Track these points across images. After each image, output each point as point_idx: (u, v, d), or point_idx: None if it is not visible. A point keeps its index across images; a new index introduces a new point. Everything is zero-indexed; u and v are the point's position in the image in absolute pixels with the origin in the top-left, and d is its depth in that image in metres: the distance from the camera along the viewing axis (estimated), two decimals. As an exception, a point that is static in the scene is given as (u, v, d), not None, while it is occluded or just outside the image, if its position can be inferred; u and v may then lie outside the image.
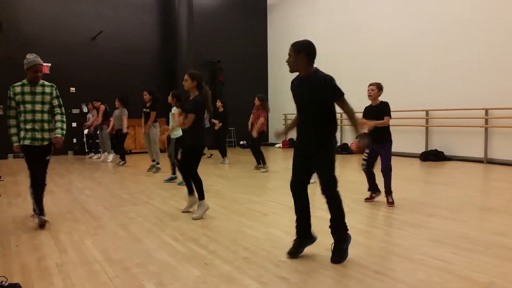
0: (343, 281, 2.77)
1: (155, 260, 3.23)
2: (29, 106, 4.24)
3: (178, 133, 6.93)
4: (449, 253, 3.27)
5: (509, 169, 8.22)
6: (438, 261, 3.09)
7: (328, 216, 3.26)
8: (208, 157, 11.29)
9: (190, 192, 4.89)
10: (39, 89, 4.32)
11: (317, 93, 3.15)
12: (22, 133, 4.24)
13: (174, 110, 6.74)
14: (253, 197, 5.73)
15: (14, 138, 4.27)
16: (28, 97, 4.25)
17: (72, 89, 13.18)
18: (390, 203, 4.99)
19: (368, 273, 2.90)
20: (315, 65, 3.28)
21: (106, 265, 3.14)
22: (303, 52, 3.14)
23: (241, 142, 15.83)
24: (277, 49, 16.30)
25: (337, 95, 3.16)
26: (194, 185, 4.73)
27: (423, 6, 10.64)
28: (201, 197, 4.68)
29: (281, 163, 10.29)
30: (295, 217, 3.35)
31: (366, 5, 12.35)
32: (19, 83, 4.31)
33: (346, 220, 3.24)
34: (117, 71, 13.80)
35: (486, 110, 9.26)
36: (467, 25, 9.62)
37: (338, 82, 3.17)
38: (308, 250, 3.34)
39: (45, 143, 4.33)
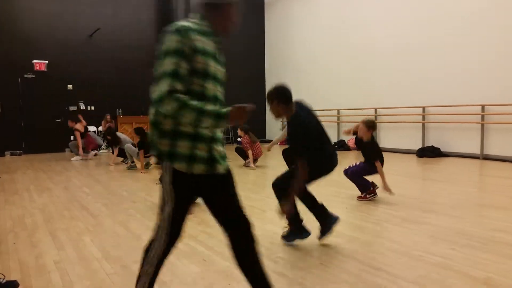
0: (342, 277, 2.77)
1: (154, 257, 3.23)
2: (211, 87, 1.92)
3: None
4: (447, 249, 3.28)
5: (505, 165, 8.26)
6: (436, 257, 3.10)
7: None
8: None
9: None
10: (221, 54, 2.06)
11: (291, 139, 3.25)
12: (184, 145, 1.88)
13: None
14: (251, 194, 5.74)
15: (212, 108, 1.81)
16: (212, 65, 1.92)
17: (70, 87, 13.13)
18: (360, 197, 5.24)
19: (367, 269, 2.90)
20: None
21: (105, 262, 3.13)
22: (275, 99, 3.19)
23: (239, 139, 15.82)
24: (275, 46, 16.27)
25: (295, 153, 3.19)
26: None
27: (422, 3, 10.64)
28: None
29: (279, 159, 10.28)
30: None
31: (365, 2, 12.33)
32: (194, 27, 1.89)
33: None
34: (115, 68, 13.76)
35: (483, 106, 9.28)
36: (464, 23, 9.63)
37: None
38: (306, 246, 3.34)
39: (229, 167, 2.06)
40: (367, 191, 5.18)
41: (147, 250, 2.04)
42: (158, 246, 2.00)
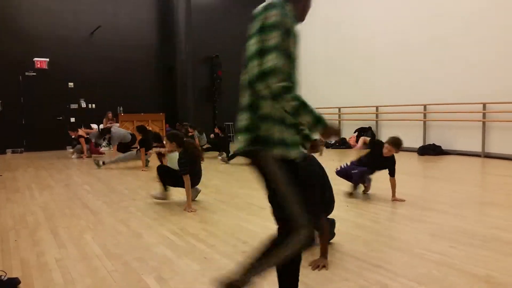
0: (342, 274, 2.77)
1: (155, 255, 3.23)
2: (294, 72, 1.85)
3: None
4: (448, 247, 3.28)
5: (507, 163, 8.25)
6: (437, 255, 3.11)
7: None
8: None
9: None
10: None
11: None
12: (280, 130, 1.81)
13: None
14: (251, 192, 5.74)
15: (315, 109, 1.75)
16: (295, 51, 1.85)
17: (71, 84, 13.13)
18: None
19: (368, 266, 2.90)
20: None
21: (106, 259, 3.14)
22: None
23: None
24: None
25: None
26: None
27: (422, 3, 10.62)
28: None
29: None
30: None
31: (365, 2, 12.31)
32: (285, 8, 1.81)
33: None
34: (115, 66, 13.76)
35: (484, 104, 9.27)
36: (464, 23, 9.61)
37: None
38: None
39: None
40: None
41: (276, 244, 1.85)
42: (295, 242, 1.80)
